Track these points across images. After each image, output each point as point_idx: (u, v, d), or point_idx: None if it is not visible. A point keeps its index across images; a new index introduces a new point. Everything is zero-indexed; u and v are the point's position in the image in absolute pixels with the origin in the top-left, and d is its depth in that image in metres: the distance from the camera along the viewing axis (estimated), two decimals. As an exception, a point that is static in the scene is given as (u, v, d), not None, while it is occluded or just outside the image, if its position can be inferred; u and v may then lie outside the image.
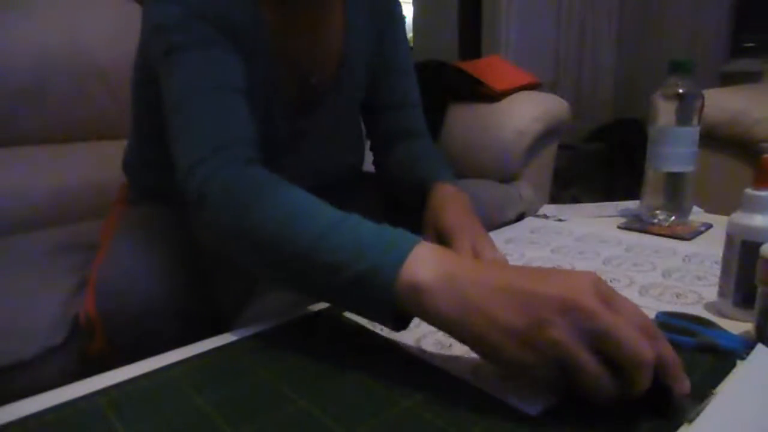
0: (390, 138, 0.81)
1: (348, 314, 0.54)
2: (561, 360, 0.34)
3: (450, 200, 0.65)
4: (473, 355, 0.45)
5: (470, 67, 1.62)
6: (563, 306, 0.34)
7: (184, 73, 0.57)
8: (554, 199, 1.70)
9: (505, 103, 1.56)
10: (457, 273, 0.39)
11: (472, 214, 0.64)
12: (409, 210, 0.71)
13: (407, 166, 0.77)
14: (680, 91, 0.78)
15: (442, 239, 0.60)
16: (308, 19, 0.68)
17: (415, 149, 0.79)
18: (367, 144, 0.87)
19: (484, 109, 1.57)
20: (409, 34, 3.76)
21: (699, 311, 0.53)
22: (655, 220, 0.83)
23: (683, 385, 0.35)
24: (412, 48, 3.65)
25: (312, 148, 0.73)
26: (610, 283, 0.60)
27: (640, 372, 0.33)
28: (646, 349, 0.33)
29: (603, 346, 0.33)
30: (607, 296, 0.35)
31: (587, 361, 0.34)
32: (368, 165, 0.89)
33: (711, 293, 0.56)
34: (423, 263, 0.40)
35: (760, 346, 0.43)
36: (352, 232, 0.43)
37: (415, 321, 0.51)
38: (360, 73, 0.76)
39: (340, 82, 0.72)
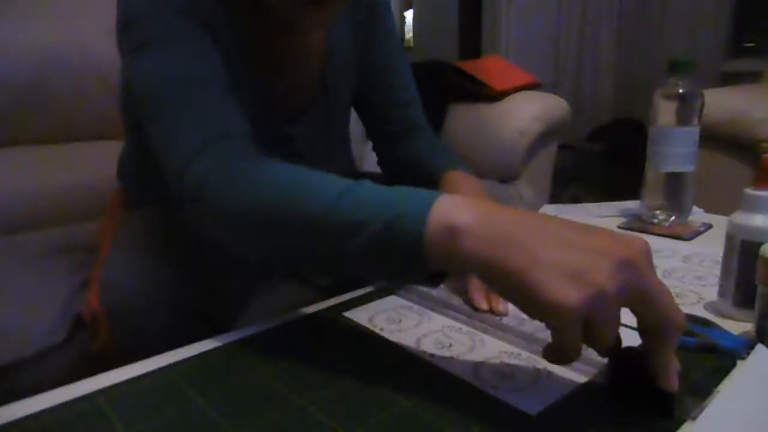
0: (393, 136, 0.81)
1: (348, 314, 0.54)
2: (593, 311, 0.32)
3: (462, 184, 0.66)
4: (473, 355, 0.45)
5: (470, 67, 1.63)
6: (619, 261, 0.32)
7: (162, 68, 0.53)
8: (554, 199, 1.70)
9: (505, 103, 1.56)
10: (497, 211, 0.36)
11: (484, 195, 0.64)
12: None
13: (415, 162, 0.77)
14: (680, 91, 0.77)
15: None
16: (286, 46, 0.66)
17: (420, 144, 0.79)
18: (369, 144, 0.87)
19: (484, 109, 1.57)
20: (409, 34, 3.78)
21: (699, 311, 0.53)
22: (655, 220, 0.83)
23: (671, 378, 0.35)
24: (412, 48, 3.66)
25: (298, 153, 0.73)
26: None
27: (676, 333, 0.34)
28: (682, 314, 0.34)
29: (642, 305, 0.33)
30: (652, 263, 0.35)
31: (616, 320, 0.34)
32: (370, 165, 0.89)
33: (711, 293, 0.56)
34: (455, 206, 0.37)
35: (760, 346, 0.43)
36: (370, 192, 0.41)
37: (415, 320, 0.52)
38: (346, 83, 0.75)
39: (326, 94, 0.72)
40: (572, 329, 0.33)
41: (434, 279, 0.41)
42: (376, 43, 0.76)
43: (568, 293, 0.31)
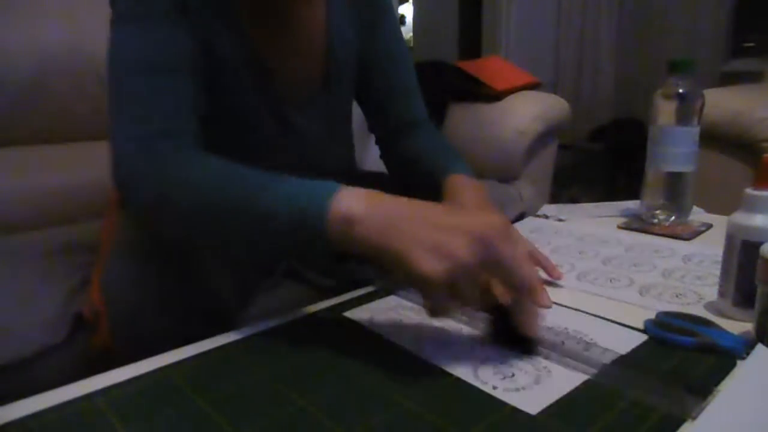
0: (395, 129, 0.81)
1: (348, 314, 0.54)
2: (454, 278, 0.40)
3: (466, 189, 0.66)
4: (473, 355, 0.45)
5: (470, 67, 1.63)
6: (474, 237, 0.40)
7: (121, 48, 0.55)
8: (554, 199, 1.70)
9: (505, 102, 1.56)
10: (385, 202, 0.45)
11: (487, 201, 0.66)
12: None
13: (416, 160, 0.77)
14: (680, 91, 0.77)
15: None
16: (287, 31, 0.67)
17: (421, 142, 0.79)
18: (372, 138, 0.87)
19: (484, 109, 1.57)
20: (409, 34, 3.78)
21: (699, 311, 0.53)
22: (655, 220, 0.83)
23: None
24: (412, 48, 3.66)
25: (300, 144, 0.73)
26: (609, 283, 0.61)
27: (531, 290, 0.42)
28: (534, 274, 0.42)
29: (498, 271, 0.41)
30: (510, 234, 0.42)
31: (477, 285, 0.42)
32: (372, 162, 0.89)
33: (711, 293, 0.56)
34: (354, 198, 0.44)
35: (760, 346, 0.43)
36: (288, 184, 0.47)
37: (415, 320, 0.52)
38: (348, 75, 0.76)
39: (328, 85, 0.72)
40: (437, 293, 0.41)
41: (340, 261, 0.50)
42: (377, 33, 0.77)
43: (433, 266, 0.40)
